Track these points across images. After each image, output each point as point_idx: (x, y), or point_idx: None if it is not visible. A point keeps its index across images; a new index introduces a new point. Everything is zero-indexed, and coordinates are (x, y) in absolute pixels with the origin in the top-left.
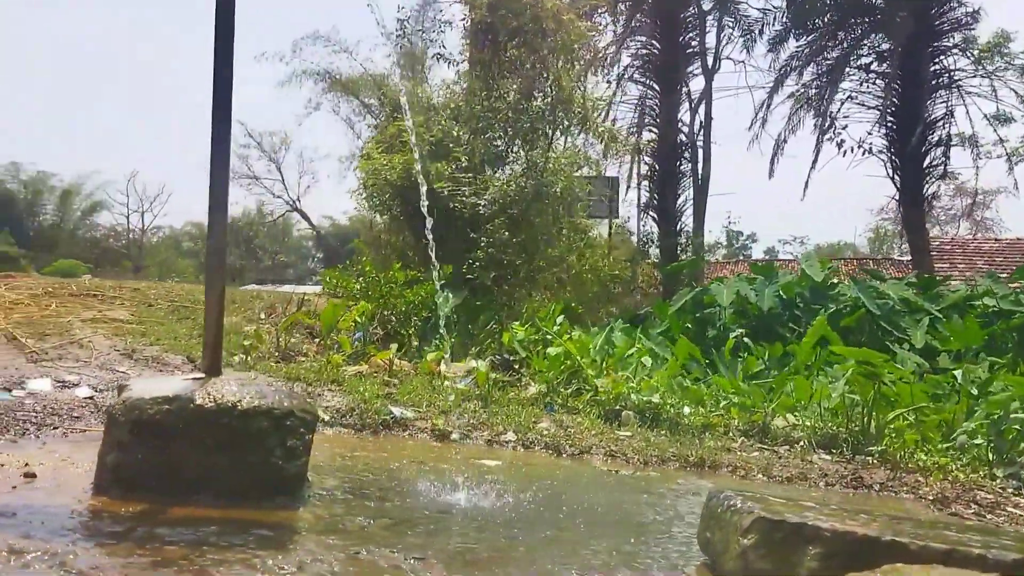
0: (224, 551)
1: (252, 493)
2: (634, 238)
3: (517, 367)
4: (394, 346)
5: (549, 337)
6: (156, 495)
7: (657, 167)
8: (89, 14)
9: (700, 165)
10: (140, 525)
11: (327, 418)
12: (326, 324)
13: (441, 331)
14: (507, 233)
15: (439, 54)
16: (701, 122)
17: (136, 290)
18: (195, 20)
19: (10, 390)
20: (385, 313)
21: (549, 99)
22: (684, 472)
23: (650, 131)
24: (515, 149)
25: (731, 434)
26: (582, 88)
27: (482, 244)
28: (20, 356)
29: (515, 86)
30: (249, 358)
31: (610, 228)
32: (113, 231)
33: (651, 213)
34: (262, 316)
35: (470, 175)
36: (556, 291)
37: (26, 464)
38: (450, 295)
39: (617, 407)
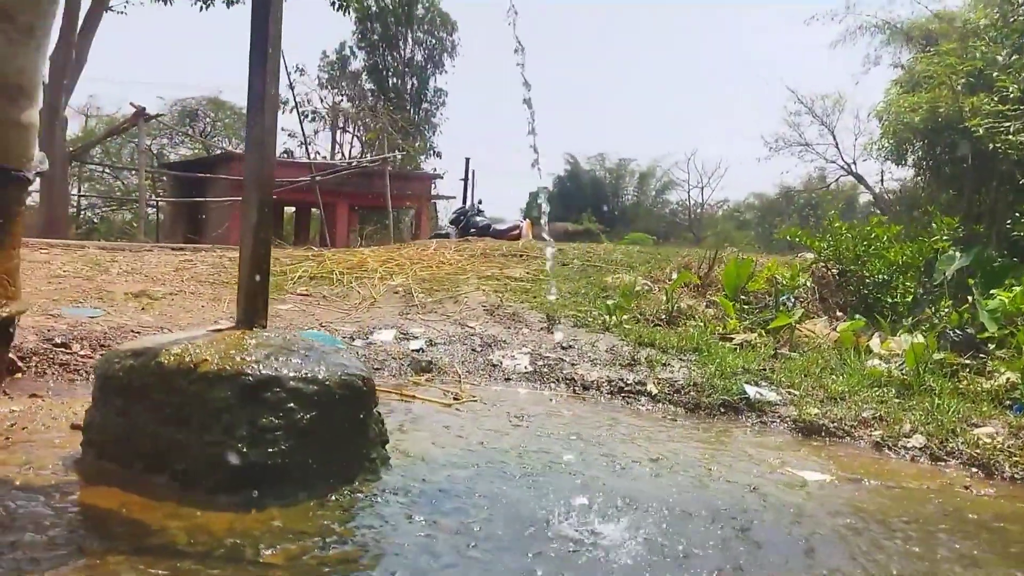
0: None
1: (206, 482)
2: None
3: (987, 348)
4: (822, 318)
5: None
6: (119, 467)
7: None
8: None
9: None
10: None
11: (655, 391)
12: (729, 284)
13: (917, 298)
14: None
15: None
16: None
17: (560, 250)
18: None
19: (354, 339)
20: (857, 275)
21: None
22: None
23: None
24: None
25: None
26: None
27: None
28: (402, 309)
29: None
30: (612, 319)
31: None
32: (682, 206)
33: None
34: (673, 275)
35: (1020, 107)
36: None
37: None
38: (957, 254)
39: None
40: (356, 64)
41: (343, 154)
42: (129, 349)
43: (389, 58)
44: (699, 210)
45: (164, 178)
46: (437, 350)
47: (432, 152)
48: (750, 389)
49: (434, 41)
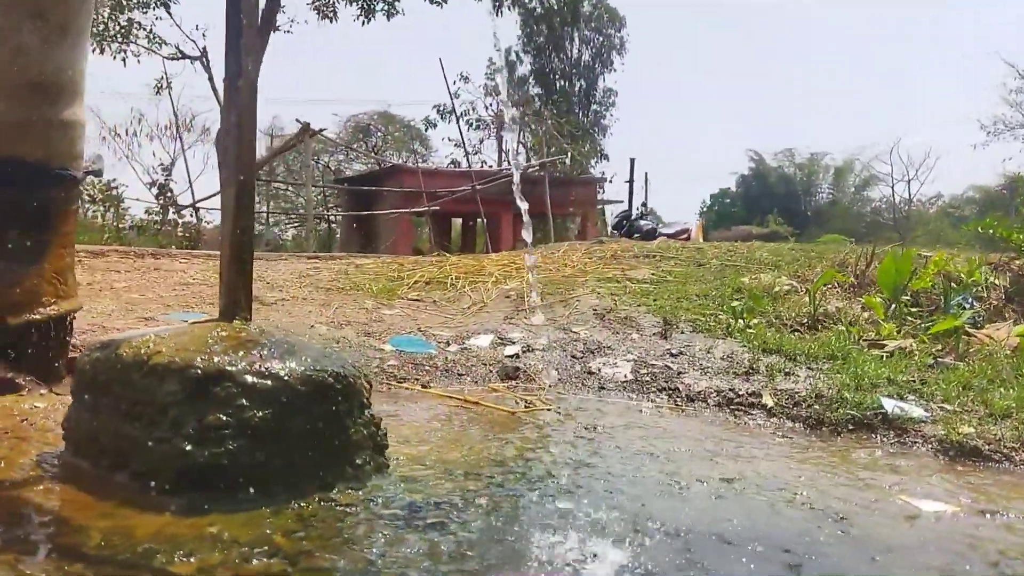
0: None
1: (157, 482)
2: None
3: None
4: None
5: None
6: (90, 464)
7: None
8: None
9: None
10: None
11: (771, 404)
12: (885, 283)
13: None
14: None
15: None
16: None
17: (699, 250)
18: None
19: (449, 344)
20: None
21: None
22: None
23: None
24: None
25: None
26: None
27: None
28: (509, 313)
29: None
30: (738, 323)
31: None
32: (886, 203)
33: None
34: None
35: None
36: None
37: None
38: None
39: None
40: (522, 69)
41: (509, 162)
42: (99, 342)
43: (556, 60)
44: (906, 207)
45: (337, 193)
46: (533, 356)
47: (600, 155)
48: (888, 403)
49: (602, 39)
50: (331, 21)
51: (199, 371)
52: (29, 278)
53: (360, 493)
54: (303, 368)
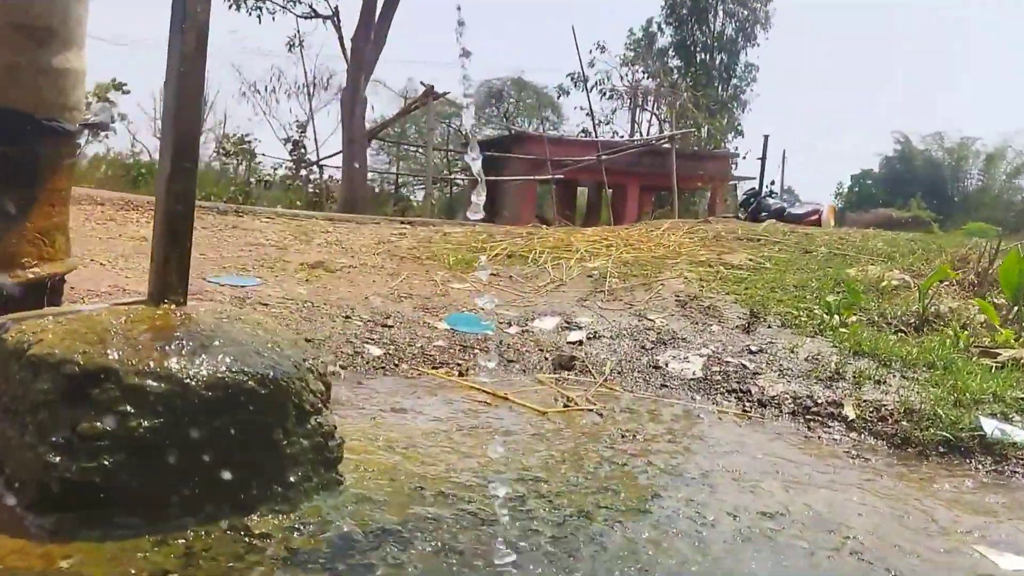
0: None
1: (23, 496)
2: None
3: None
4: None
5: None
6: None
7: None
8: None
9: None
10: None
11: (852, 416)
12: (1008, 282)
13: None
14: None
15: None
16: None
17: (808, 235)
18: None
19: (510, 325)
20: None
21: None
22: None
23: None
24: None
25: None
26: None
27: None
28: (586, 294)
29: None
30: (833, 319)
31: None
32: None
33: None
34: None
35: None
36: None
37: None
38: None
39: None
40: (663, 41)
41: (641, 134)
42: (6, 319)
43: (698, 32)
44: None
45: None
46: (597, 344)
47: (737, 131)
48: (988, 424)
49: (746, 12)
50: None
51: (76, 367)
52: (7, 238)
53: (287, 519)
54: (212, 369)
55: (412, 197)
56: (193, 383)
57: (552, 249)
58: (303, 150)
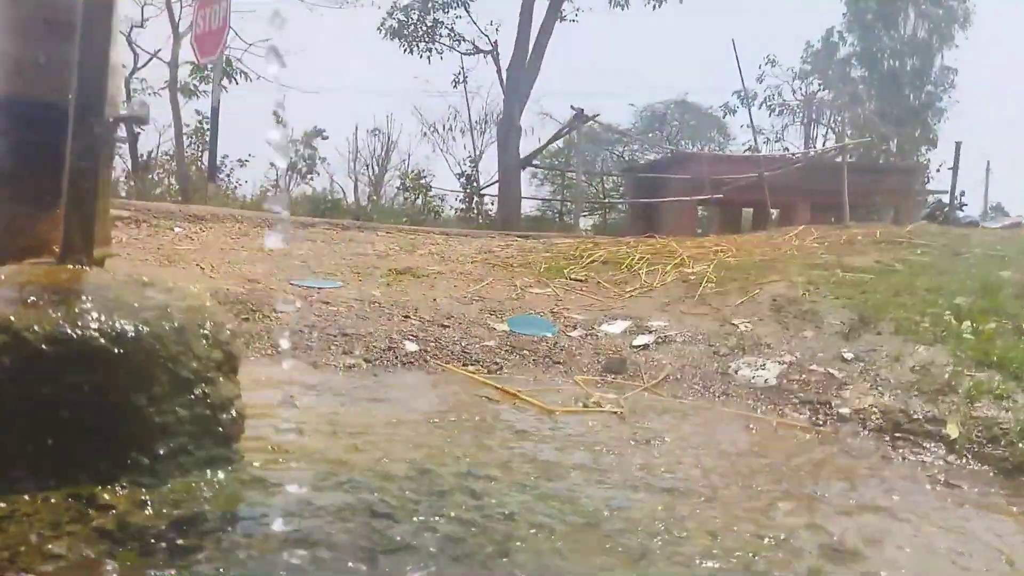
0: None
1: None
2: None
3: None
4: None
5: None
6: None
7: None
8: None
9: None
10: None
11: (954, 435)
12: None
13: None
14: None
15: None
16: None
17: (962, 236)
18: None
19: (576, 328)
20: None
21: None
22: None
23: None
24: None
25: None
26: None
27: None
28: (673, 299)
29: None
30: (961, 325)
31: None
32: None
33: None
34: None
35: None
36: None
37: None
38: None
39: None
40: (845, 50)
41: (815, 149)
42: None
43: (885, 38)
44: None
45: (624, 182)
46: (664, 349)
47: (931, 141)
48: None
49: (942, 11)
50: (622, 8)
51: None
52: (41, 225)
53: (145, 493)
54: (54, 325)
55: (571, 221)
56: (29, 336)
57: (653, 255)
58: (475, 184)
